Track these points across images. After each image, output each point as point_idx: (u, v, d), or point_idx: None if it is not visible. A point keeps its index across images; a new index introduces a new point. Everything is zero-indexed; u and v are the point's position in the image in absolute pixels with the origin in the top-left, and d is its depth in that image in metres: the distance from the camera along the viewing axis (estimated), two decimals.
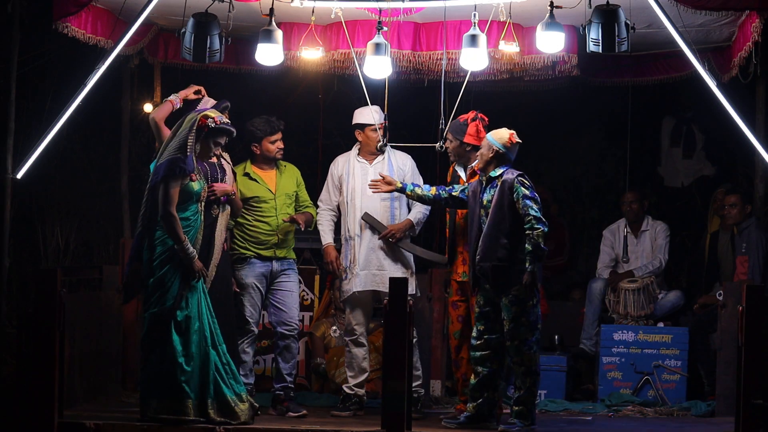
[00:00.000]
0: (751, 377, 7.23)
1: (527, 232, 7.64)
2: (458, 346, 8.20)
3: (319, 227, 8.57)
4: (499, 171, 7.81)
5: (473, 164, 8.11)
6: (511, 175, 7.77)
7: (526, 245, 7.64)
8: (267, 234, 8.38)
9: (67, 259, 10.71)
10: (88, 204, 10.98)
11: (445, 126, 8.13)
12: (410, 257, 8.50)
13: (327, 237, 8.55)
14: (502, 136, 7.84)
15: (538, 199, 7.72)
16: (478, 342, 7.86)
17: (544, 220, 7.66)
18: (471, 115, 8.17)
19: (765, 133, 8.82)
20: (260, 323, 8.67)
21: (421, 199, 8.20)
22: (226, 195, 7.91)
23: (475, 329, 7.88)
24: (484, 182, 7.87)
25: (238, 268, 8.34)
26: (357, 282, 8.40)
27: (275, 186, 8.43)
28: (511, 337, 7.74)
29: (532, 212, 7.64)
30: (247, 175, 8.39)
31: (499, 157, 7.82)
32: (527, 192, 7.69)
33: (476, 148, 8.09)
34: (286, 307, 8.39)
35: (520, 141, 7.86)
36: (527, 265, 7.64)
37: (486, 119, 8.18)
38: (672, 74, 9.53)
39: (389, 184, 8.19)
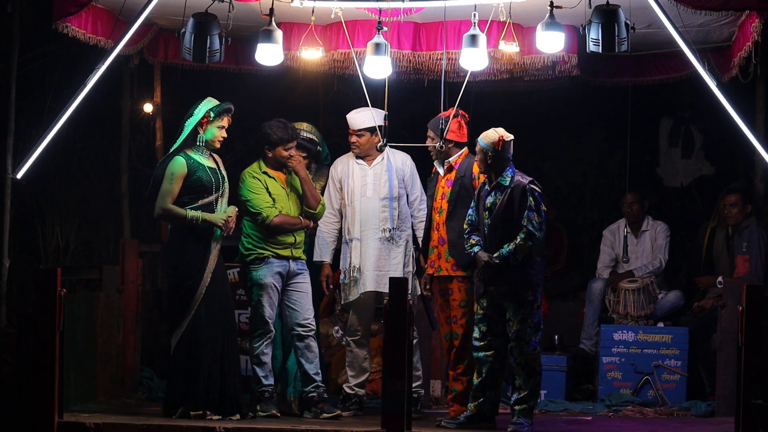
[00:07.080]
0: (751, 377, 7.21)
1: (518, 238, 7.64)
2: (450, 348, 8.17)
3: (317, 241, 8.54)
4: (508, 177, 7.76)
5: (451, 159, 8.11)
6: (522, 180, 7.74)
7: (509, 244, 7.64)
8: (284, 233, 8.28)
9: (67, 259, 10.70)
10: (88, 204, 10.97)
11: (446, 126, 8.12)
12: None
13: (324, 255, 8.54)
14: (492, 138, 7.76)
15: (543, 212, 7.69)
16: (482, 343, 7.83)
17: (537, 235, 7.64)
18: (451, 111, 8.15)
19: (765, 133, 8.83)
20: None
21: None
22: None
23: (477, 330, 7.85)
24: (489, 185, 7.84)
25: (256, 268, 8.21)
26: (362, 284, 8.38)
27: (287, 185, 8.38)
28: (516, 338, 7.72)
29: (530, 226, 7.62)
30: (265, 173, 8.28)
31: (497, 159, 7.77)
32: (533, 203, 7.66)
33: (458, 144, 8.11)
34: (301, 307, 8.28)
35: (511, 137, 7.81)
36: (495, 254, 7.65)
37: (467, 116, 8.17)
38: (672, 74, 9.53)
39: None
